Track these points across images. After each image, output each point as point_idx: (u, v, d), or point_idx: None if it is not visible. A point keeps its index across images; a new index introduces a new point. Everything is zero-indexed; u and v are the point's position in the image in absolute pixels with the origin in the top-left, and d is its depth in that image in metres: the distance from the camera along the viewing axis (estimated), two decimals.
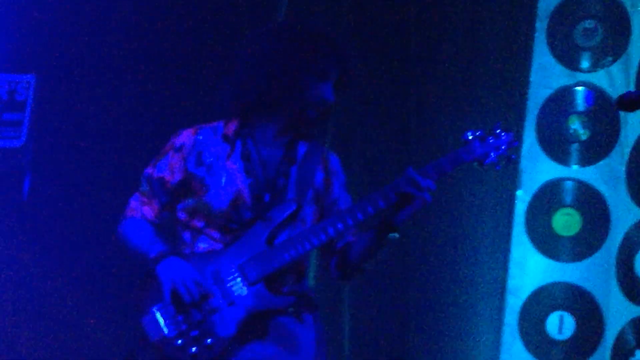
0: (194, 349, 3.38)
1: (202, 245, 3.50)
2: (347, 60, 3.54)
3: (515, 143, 3.54)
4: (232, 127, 3.55)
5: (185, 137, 3.57)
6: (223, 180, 3.49)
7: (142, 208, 3.60)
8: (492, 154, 3.48)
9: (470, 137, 3.48)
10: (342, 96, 3.56)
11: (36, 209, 5.37)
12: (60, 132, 5.40)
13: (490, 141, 3.49)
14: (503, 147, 3.50)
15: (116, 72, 5.41)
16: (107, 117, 5.41)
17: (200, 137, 3.55)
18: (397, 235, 3.45)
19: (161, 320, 3.42)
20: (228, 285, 3.42)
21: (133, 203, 3.63)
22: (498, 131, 3.51)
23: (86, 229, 5.39)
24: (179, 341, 3.39)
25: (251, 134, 3.54)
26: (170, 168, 3.55)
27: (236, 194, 3.47)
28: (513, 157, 3.53)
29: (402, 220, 3.43)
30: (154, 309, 3.43)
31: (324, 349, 3.58)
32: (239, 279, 3.42)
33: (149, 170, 3.60)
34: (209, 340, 3.38)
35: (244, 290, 3.41)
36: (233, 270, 3.42)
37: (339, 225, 3.42)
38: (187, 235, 3.54)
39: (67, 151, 5.39)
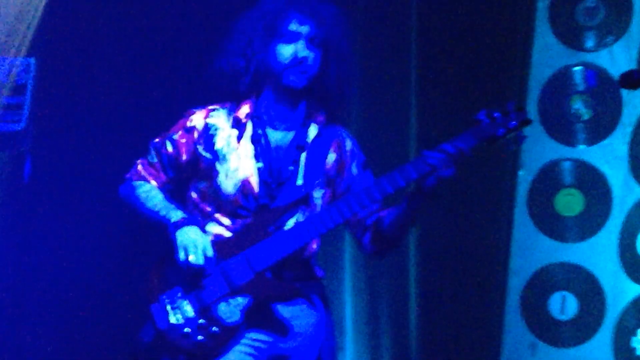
0: (200, 337, 3.38)
1: (211, 230, 3.48)
2: (320, 13, 3.44)
3: (529, 122, 3.46)
4: (242, 109, 3.53)
5: (197, 119, 3.54)
6: (232, 165, 3.47)
7: (149, 175, 3.59)
8: (504, 133, 3.42)
9: (482, 117, 3.41)
10: (335, 58, 3.47)
11: (37, 193, 5.36)
12: (61, 116, 5.38)
13: (503, 121, 3.42)
14: (516, 127, 3.43)
15: (117, 54, 5.38)
16: (108, 100, 5.39)
17: (212, 121, 3.53)
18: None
19: (169, 308, 3.42)
20: (234, 274, 3.41)
21: (142, 168, 3.60)
22: (510, 110, 3.43)
23: (87, 212, 5.39)
24: (186, 329, 3.39)
25: (262, 116, 3.51)
26: (179, 147, 3.53)
27: (245, 180, 3.45)
28: (526, 136, 3.46)
29: (432, 186, 3.38)
30: (163, 297, 3.43)
31: (332, 333, 3.58)
32: (245, 268, 3.41)
33: (159, 142, 3.58)
34: (215, 329, 3.38)
35: (250, 279, 3.40)
36: (239, 258, 3.41)
37: (346, 212, 3.39)
38: (198, 218, 3.52)
39: (68, 134, 5.37)
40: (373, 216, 3.54)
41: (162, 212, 3.48)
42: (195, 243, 3.38)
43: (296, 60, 3.43)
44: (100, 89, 5.40)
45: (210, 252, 3.38)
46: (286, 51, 3.44)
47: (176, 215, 3.46)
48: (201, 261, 3.37)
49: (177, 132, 3.55)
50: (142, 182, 3.59)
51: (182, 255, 3.38)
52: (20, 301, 5.35)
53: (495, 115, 3.41)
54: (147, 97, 5.38)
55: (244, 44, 3.47)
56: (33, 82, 5.31)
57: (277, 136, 3.51)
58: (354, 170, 3.56)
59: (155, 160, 3.58)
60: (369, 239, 3.55)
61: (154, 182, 3.58)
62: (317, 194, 3.50)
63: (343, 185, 3.54)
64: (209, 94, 3.64)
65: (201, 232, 3.42)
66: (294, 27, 3.44)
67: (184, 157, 3.53)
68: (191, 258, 3.36)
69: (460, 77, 5.52)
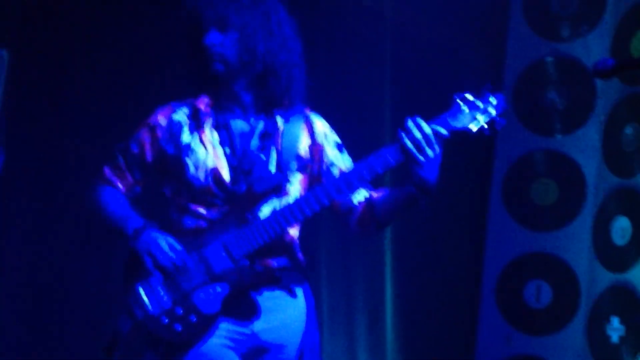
0: (179, 327, 3.36)
1: (188, 222, 3.47)
2: (215, 4, 3.42)
3: (506, 107, 3.31)
4: (204, 101, 3.53)
5: (160, 116, 3.54)
6: (200, 155, 3.46)
7: (114, 180, 3.57)
8: (481, 118, 3.28)
9: (457, 102, 3.29)
10: (249, 34, 3.45)
11: (10, 188, 5.33)
12: (34, 108, 5.35)
13: (480, 105, 3.29)
14: (492, 111, 3.29)
15: (93, 46, 5.36)
16: (83, 92, 5.36)
17: (175, 115, 3.53)
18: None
19: (145, 299, 3.40)
20: (211, 262, 3.39)
21: (107, 172, 3.59)
22: (487, 94, 3.30)
23: (61, 205, 5.36)
24: (164, 319, 3.38)
25: (222, 105, 3.51)
26: (144, 146, 3.53)
27: (214, 168, 3.44)
28: (504, 122, 3.29)
29: (417, 173, 3.28)
30: (138, 287, 3.42)
31: (315, 322, 3.55)
32: (223, 256, 3.39)
33: (123, 144, 3.58)
34: (193, 318, 3.36)
35: (228, 267, 3.39)
36: (217, 247, 3.40)
37: (323, 199, 3.34)
38: (173, 212, 3.52)
39: (42, 127, 5.35)
40: (361, 198, 3.50)
41: (119, 223, 3.49)
42: (158, 245, 3.38)
43: (208, 49, 3.43)
44: (75, 81, 5.37)
45: (177, 246, 3.38)
46: (202, 44, 3.43)
47: (130, 226, 3.45)
48: (177, 262, 3.36)
49: (141, 131, 3.55)
50: (106, 186, 3.58)
51: (150, 262, 3.38)
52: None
53: (468, 98, 3.29)
54: (124, 89, 5.36)
55: (185, 46, 3.50)
56: (5, 74, 5.27)
57: (239, 124, 3.50)
58: (330, 152, 3.54)
59: (121, 162, 3.58)
60: (356, 221, 3.51)
61: (120, 186, 3.57)
62: (294, 179, 3.49)
63: (320, 168, 3.53)
64: (185, 87, 3.64)
65: (156, 233, 3.42)
66: (193, 22, 3.45)
67: (149, 154, 3.53)
68: (167, 265, 3.36)
69: (435, 69, 5.53)
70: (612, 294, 5.27)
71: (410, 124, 3.27)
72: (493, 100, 3.31)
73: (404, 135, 3.27)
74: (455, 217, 5.60)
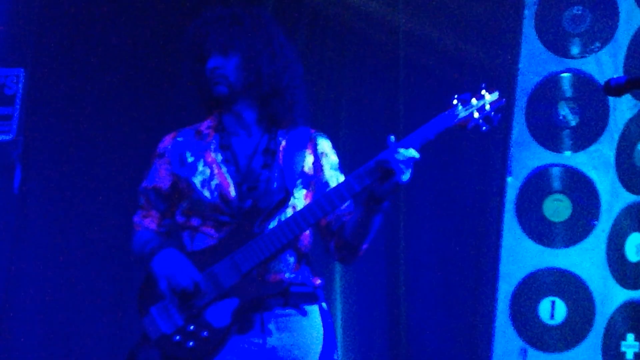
0: (191, 343, 3.40)
1: (199, 244, 3.52)
2: (218, 23, 3.50)
3: (502, 102, 3.40)
4: (207, 123, 3.61)
5: (166, 142, 3.63)
6: (206, 174, 3.52)
7: (143, 221, 3.67)
8: (476, 116, 3.36)
9: (454, 102, 3.38)
10: (254, 57, 3.50)
11: (27, 203, 5.37)
12: (50, 126, 5.39)
13: (474, 102, 3.38)
14: (487, 108, 3.38)
15: (106, 64, 5.40)
16: (98, 110, 5.41)
17: (180, 139, 3.61)
18: (385, 205, 3.38)
19: (159, 319, 3.45)
20: (221, 278, 3.42)
21: (136, 219, 3.69)
22: (482, 92, 3.39)
23: (77, 222, 5.39)
24: (177, 337, 3.42)
25: (225, 127, 3.58)
26: (159, 175, 3.61)
27: (220, 185, 3.49)
28: (499, 116, 3.38)
29: (386, 191, 3.34)
30: (153, 309, 3.47)
31: (335, 345, 3.56)
32: (232, 271, 3.42)
33: (143, 184, 3.66)
34: (204, 333, 3.39)
35: (237, 281, 3.41)
36: (225, 263, 3.43)
37: (326, 206, 3.38)
38: (186, 236, 3.57)
39: (58, 144, 5.39)
40: (338, 222, 3.55)
41: (142, 251, 3.55)
42: (173, 267, 3.41)
43: (211, 72, 3.50)
44: (90, 98, 5.41)
45: (191, 268, 3.42)
46: (205, 68, 3.52)
47: (149, 246, 3.53)
48: (190, 288, 3.40)
49: (153, 164, 3.64)
50: (138, 231, 3.66)
51: (164, 284, 3.42)
52: (10, 310, 5.35)
53: (464, 97, 3.38)
54: (137, 107, 5.40)
55: (190, 70, 3.57)
56: (23, 92, 5.32)
57: (243, 143, 3.56)
58: (327, 172, 3.59)
59: (144, 201, 3.66)
60: (334, 245, 3.57)
61: (150, 225, 3.65)
62: (298, 194, 3.53)
63: (320, 185, 3.57)
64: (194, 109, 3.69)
65: (174, 254, 3.47)
66: (198, 46, 3.52)
67: (166, 181, 3.60)
68: (179, 290, 3.40)
69: (448, 86, 5.54)
70: (627, 311, 5.24)
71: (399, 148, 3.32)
72: (488, 96, 3.39)
73: (394, 156, 3.30)
74: (469, 233, 5.60)
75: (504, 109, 3.41)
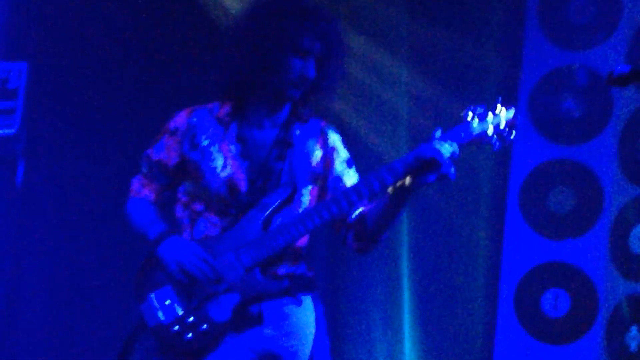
0: (189, 335, 3.39)
1: (200, 229, 3.50)
2: (328, 34, 3.43)
3: (516, 120, 3.33)
4: (225, 109, 3.54)
5: (180, 119, 3.56)
6: (218, 164, 3.48)
7: (142, 189, 3.62)
8: (489, 133, 3.31)
9: (469, 116, 3.32)
10: (330, 73, 3.48)
11: (30, 197, 5.37)
12: (53, 120, 5.40)
13: (490, 119, 3.32)
14: (502, 126, 3.32)
15: (108, 58, 5.40)
16: (101, 104, 5.40)
17: (195, 119, 3.54)
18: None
19: (157, 307, 3.43)
20: (224, 271, 3.41)
21: (135, 184, 3.64)
22: (498, 108, 3.33)
23: (80, 216, 5.40)
24: (176, 327, 3.40)
25: (244, 116, 3.53)
26: (166, 151, 3.56)
27: (232, 178, 3.46)
28: (512, 133, 3.31)
29: (429, 183, 3.30)
30: (151, 296, 3.45)
31: (325, 331, 3.57)
32: (235, 265, 3.41)
33: (148, 151, 3.61)
34: (204, 326, 3.38)
35: (239, 276, 3.41)
36: (229, 256, 3.42)
37: (334, 209, 3.37)
38: (186, 218, 3.54)
39: (61, 138, 5.39)
40: (356, 214, 3.52)
41: (143, 229, 3.53)
42: (190, 260, 3.40)
43: (302, 78, 3.44)
44: (93, 92, 5.41)
45: (205, 257, 3.40)
46: (297, 67, 3.43)
47: (154, 230, 3.49)
48: (209, 275, 3.39)
49: (162, 137, 3.58)
50: (135, 197, 3.63)
51: (175, 269, 3.41)
52: (13, 305, 5.36)
53: (480, 112, 3.33)
54: (140, 100, 5.40)
55: (256, 56, 3.43)
56: (25, 86, 5.32)
57: (261, 135, 3.52)
58: (338, 166, 3.55)
59: (146, 170, 3.62)
60: (352, 237, 3.53)
61: (148, 194, 3.61)
62: (305, 190, 3.51)
63: (329, 181, 3.54)
64: (203, 95, 3.66)
65: (183, 241, 3.45)
66: (307, 44, 3.42)
67: (173, 159, 3.55)
68: (199, 277, 3.39)
69: (451, 78, 5.54)
70: (630, 303, 5.24)
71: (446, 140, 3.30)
72: (503, 113, 3.33)
73: (444, 145, 3.28)
74: (472, 226, 5.59)
75: (517, 127, 3.37)
